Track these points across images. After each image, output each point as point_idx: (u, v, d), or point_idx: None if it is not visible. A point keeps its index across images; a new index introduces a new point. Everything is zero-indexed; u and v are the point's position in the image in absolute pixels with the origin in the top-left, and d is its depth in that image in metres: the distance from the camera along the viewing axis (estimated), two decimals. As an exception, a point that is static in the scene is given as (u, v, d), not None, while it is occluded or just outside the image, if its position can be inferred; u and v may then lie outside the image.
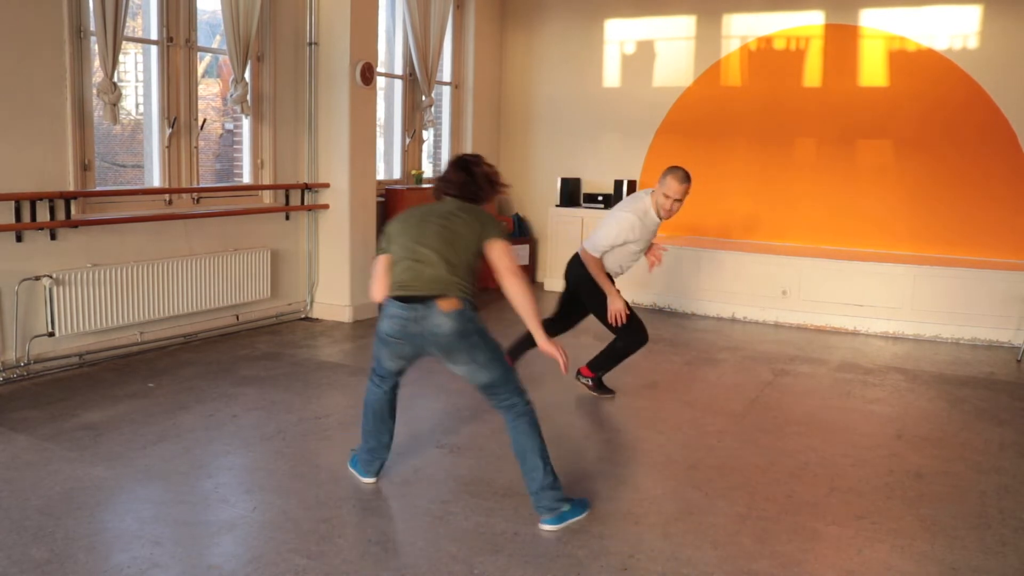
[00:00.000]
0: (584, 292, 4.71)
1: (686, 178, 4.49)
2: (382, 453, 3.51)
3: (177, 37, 5.66)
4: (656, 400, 4.92)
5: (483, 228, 3.16)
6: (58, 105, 4.92)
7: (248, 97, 6.11)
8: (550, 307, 4.96)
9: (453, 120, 8.68)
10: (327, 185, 6.69)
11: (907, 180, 7.41)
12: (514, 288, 3.12)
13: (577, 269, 4.72)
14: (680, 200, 4.51)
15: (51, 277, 4.91)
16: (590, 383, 4.91)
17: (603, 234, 4.61)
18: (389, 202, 7.41)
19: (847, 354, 6.19)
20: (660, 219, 4.63)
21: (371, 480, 3.54)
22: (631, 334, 4.68)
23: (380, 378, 3.41)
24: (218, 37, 6.17)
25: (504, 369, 3.17)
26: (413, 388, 4.90)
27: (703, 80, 8.07)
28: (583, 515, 3.22)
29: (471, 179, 3.28)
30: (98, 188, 5.28)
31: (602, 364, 4.86)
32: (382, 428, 3.46)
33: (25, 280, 4.83)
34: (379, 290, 3.25)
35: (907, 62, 7.31)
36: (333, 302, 6.80)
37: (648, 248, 4.83)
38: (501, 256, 3.15)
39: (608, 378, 4.97)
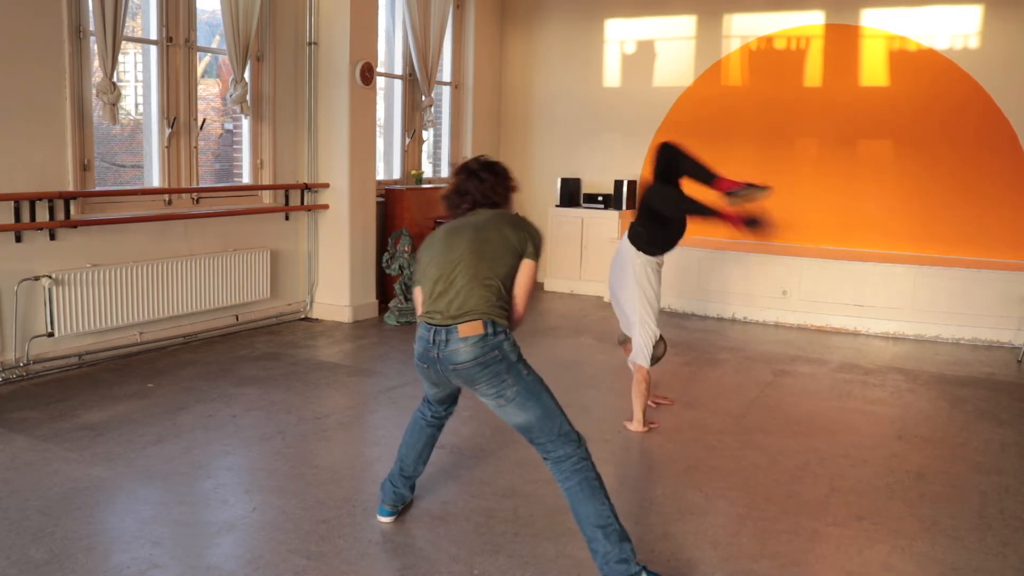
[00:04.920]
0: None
1: None
2: (399, 484, 3.17)
3: (176, 37, 5.65)
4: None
5: (523, 243, 2.81)
6: (58, 105, 4.92)
7: (248, 97, 6.11)
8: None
9: (453, 120, 8.68)
10: (327, 185, 6.69)
11: (907, 180, 7.40)
12: (523, 309, 2.87)
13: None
14: None
15: (50, 277, 4.91)
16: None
17: (641, 312, 4.40)
18: (389, 202, 7.40)
19: (847, 354, 6.18)
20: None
21: (385, 519, 3.17)
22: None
23: (425, 402, 3.16)
24: (217, 37, 6.16)
25: (544, 410, 2.71)
26: (414, 387, 4.90)
27: (703, 80, 8.07)
28: None
29: (494, 183, 2.95)
30: (98, 188, 5.28)
31: None
32: (408, 453, 3.17)
33: (24, 280, 4.82)
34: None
35: (908, 62, 7.31)
36: (333, 302, 6.80)
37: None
38: (528, 279, 2.83)
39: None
